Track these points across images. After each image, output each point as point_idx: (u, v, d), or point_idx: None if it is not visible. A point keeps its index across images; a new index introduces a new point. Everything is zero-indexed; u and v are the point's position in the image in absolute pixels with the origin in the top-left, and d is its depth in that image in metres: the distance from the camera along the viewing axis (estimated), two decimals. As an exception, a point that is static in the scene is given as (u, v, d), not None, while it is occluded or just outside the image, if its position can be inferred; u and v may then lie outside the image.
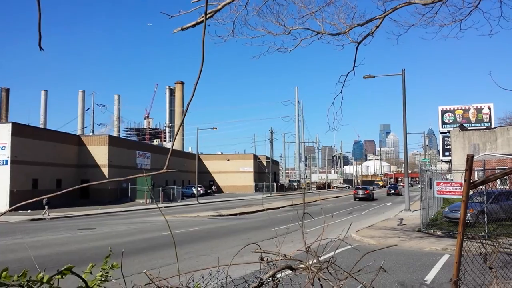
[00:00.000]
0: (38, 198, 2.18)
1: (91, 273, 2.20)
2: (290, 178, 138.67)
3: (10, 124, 39.93)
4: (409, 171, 51.56)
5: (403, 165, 36.33)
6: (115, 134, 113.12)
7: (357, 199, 53.13)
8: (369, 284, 2.50)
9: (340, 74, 14.67)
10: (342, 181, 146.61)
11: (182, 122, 2.24)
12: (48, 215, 32.12)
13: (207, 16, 6.16)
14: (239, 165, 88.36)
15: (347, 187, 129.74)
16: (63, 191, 2.00)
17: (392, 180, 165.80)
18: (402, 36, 13.05)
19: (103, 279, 2.14)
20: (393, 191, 68.06)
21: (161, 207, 41.17)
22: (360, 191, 55.41)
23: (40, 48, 2.05)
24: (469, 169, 4.82)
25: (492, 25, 10.99)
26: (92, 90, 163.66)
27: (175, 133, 2.44)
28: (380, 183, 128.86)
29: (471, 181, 5.19)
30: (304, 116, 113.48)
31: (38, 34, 1.98)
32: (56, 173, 45.72)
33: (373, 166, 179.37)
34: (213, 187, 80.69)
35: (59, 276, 1.81)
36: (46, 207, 32.25)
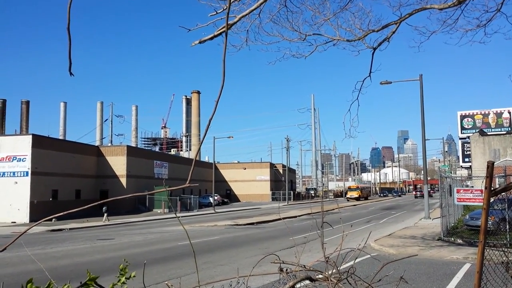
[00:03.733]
0: (59, 214, 2.24)
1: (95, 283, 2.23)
2: (307, 186, 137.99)
3: (30, 136, 40.70)
4: (428, 178, 51.45)
5: (422, 171, 35.87)
6: (132, 144, 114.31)
7: (417, 197, 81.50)
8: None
9: (356, 80, 14.60)
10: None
11: (200, 147, 2.26)
12: (108, 221, 35.27)
13: (224, 29, 6.23)
14: (256, 173, 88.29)
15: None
16: (87, 206, 2.05)
17: (411, 187, 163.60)
18: (416, 40, 12.93)
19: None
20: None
21: (179, 217, 41.31)
22: (418, 192, 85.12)
23: (70, 73, 2.11)
24: (490, 176, 4.75)
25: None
26: (110, 101, 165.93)
27: (196, 153, 2.47)
28: (355, 194, 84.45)
29: (492, 189, 5.11)
30: (321, 123, 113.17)
31: (69, 61, 2.04)
32: (76, 184, 46.34)
33: (391, 173, 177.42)
34: (218, 197, 73.22)
35: (84, 287, 1.84)
36: (105, 214, 35.77)
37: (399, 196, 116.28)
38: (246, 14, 6.88)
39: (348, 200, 79.62)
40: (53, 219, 36.95)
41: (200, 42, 6.41)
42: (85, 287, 1.81)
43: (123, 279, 2.16)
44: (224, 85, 1.88)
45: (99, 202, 2.21)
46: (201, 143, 2.38)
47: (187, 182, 1.84)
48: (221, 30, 6.25)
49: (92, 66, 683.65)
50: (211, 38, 6.09)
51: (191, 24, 6.02)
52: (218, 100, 1.89)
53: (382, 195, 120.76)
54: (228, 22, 6.81)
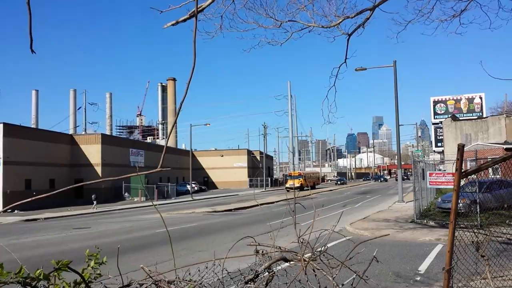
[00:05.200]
0: (31, 199, 2.20)
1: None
2: (284, 172, 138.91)
3: (1, 125, 39.64)
4: (402, 163, 52.53)
5: (396, 157, 36.54)
6: (107, 132, 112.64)
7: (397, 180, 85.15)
8: (362, 273, 2.54)
9: (332, 66, 14.71)
10: (336, 174, 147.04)
11: (175, 123, 2.24)
12: (96, 209, 36.46)
13: (197, 10, 6.16)
14: (233, 160, 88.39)
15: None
16: (57, 190, 2.02)
17: (386, 172, 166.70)
18: (393, 30, 13.07)
19: (94, 276, 2.16)
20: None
21: (156, 205, 41.05)
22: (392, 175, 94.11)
23: (32, 51, 2.06)
24: (460, 158, 4.89)
25: (491, 18, 11.05)
26: (83, 88, 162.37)
27: (168, 134, 2.46)
28: (296, 183, 64.49)
29: (462, 171, 5.26)
30: (297, 110, 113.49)
31: (30, 37, 1.98)
32: (49, 173, 45.51)
33: (366, 159, 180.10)
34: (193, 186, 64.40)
35: (56, 272, 1.83)
36: (94, 202, 37.52)
37: (386, 181, 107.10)
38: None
39: (287, 191, 62.78)
40: (21, 210, 36.27)
41: (172, 25, 6.33)
42: (58, 271, 1.80)
43: (92, 263, 2.15)
44: (195, 67, 1.87)
45: (72, 186, 2.19)
46: (173, 126, 2.37)
47: (159, 167, 1.83)
48: (192, 13, 6.19)
49: (64, 52, 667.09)
50: (184, 20, 6.02)
51: (164, 7, 5.91)
52: (189, 84, 1.88)
53: (339, 182, 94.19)
54: (200, 5, 6.74)
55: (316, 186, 77.10)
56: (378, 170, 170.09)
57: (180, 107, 2.02)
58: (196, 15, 1.91)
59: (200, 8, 6.48)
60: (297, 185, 64.79)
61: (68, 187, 2.12)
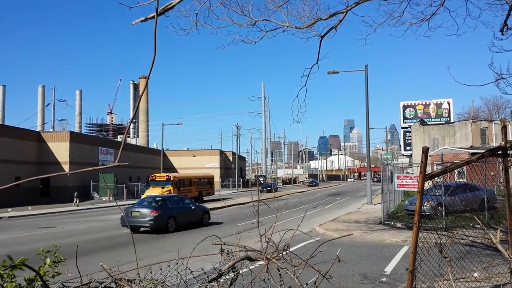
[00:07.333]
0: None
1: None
2: (256, 173, 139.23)
3: (-36, 120, 38.31)
4: (372, 165, 53.41)
5: (366, 159, 37.15)
6: (76, 130, 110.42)
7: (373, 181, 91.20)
8: (325, 273, 2.57)
9: (305, 67, 14.78)
10: (307, 176, 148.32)
11: (132, 120, 2.20)
12: (78, 205, 37.19)
13: (167, 7, 6.12)
14: (205, 161, 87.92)
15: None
16: (16, 182, 1.97)
17: (356, 174, 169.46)
18: (365, 33, 13.23)
19: (52, 274, 2.12)
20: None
21: (125, 205, 40.48)
22: (374, 178, 77.60)
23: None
24: (424, 161, 5.00)
25: (458, 24, 11.39)
26: (52, 85, 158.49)
27: (127, 129, 2.44)
28: (159, 193, 33.97)
29: (427, 173, 5.38)
30: (271, 112, 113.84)
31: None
32: (15, 171, 44.15)
33: (337, 161, 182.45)
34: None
35: (10, 269, 1.78)
36: (75, 199, 38.24)
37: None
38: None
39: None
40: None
41: (141, 21, 6.25)
42: (14, 269, 1.76)
43: (48, 261, 2.11)
44: (154, 61, 1.85)
45: (31, 179, 2.13)
46: (131, 121, 2.34)
47: (116, 161, 1.81)
48: (161, 9, 6.14)
49: (33, 48, 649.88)
50: (153, 17, 5.95)
51: (134, 2, 5.79)
52: (149, 77, 1.86)
53: (265, 189, 64.67)
54: (170, 2, 6.69)
55: (206, 198, 44.65)
56: (349, 173, 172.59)
57: (138, 103, 2.00)
58: (156, 17, 1.90)
59: (170, 5, 6.43)
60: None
61: (27, 180, 2.07)
